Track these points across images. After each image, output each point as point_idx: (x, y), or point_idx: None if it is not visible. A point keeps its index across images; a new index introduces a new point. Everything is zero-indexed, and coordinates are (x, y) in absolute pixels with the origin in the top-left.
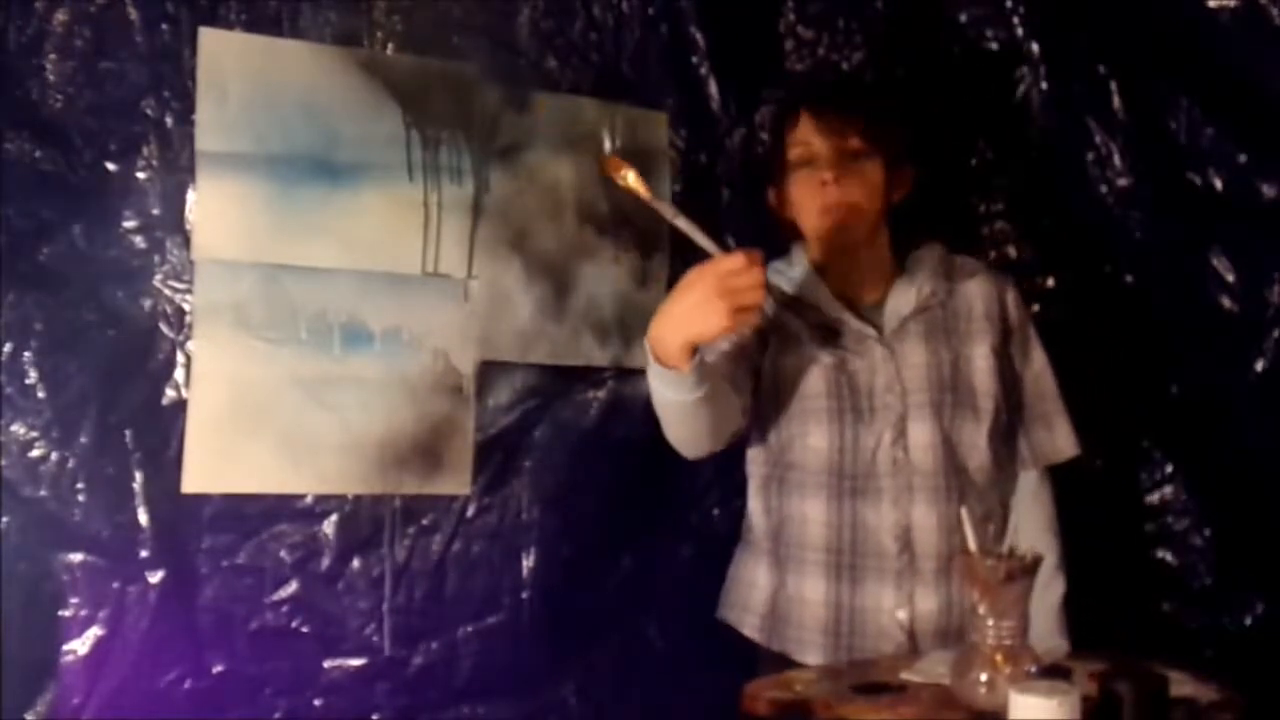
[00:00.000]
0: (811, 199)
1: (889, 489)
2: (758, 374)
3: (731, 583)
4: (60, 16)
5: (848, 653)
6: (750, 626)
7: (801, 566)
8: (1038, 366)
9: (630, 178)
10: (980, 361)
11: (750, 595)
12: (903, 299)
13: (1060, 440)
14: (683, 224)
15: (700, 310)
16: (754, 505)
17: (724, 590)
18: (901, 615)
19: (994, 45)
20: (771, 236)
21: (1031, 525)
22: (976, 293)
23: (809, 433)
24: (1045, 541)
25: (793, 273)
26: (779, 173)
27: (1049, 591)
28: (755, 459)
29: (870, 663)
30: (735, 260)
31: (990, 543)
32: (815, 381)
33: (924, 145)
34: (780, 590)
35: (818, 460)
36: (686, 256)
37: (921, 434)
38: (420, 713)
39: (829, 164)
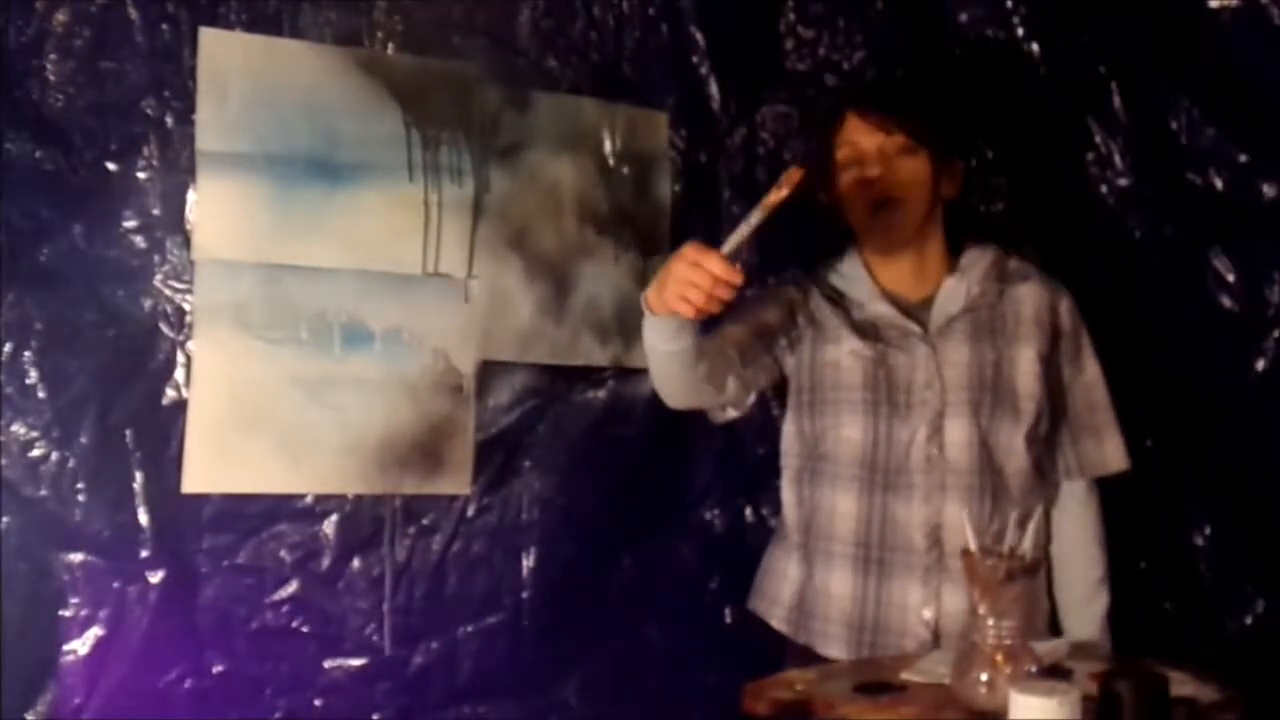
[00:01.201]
0: (858, 196)
1: (921, 485)
2: (775, 361)
3: (762, 574)
4: (60, 16)
5: (870, 648)
6: (778, 618)
7: (829, 559)
8: (1090, 376)
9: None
10: (1024, 365)
11: (780, 587)
12: (951, 298)
13: (1109, 454)
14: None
15: (664, 285)
16: (786, 497)
17: (755, 581)
18: (928, 613)
19: (994, 45)
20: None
21: (1076, 537)
22: (1027, 297)
23: (843, 424)
24: (1090, 554)
25: (844, 269)
26: (830, 174)
27: (1092, 605)
28: (789, 450)
29: (871, 662)
30: (687, 253)
31: (1023, 546)
32: (851, 374)
33: (973, 141)
34: (808, 583)
35: (850, 452)
36: None
37: (958, 432)
38: (420, 713)
39: (874, 161)
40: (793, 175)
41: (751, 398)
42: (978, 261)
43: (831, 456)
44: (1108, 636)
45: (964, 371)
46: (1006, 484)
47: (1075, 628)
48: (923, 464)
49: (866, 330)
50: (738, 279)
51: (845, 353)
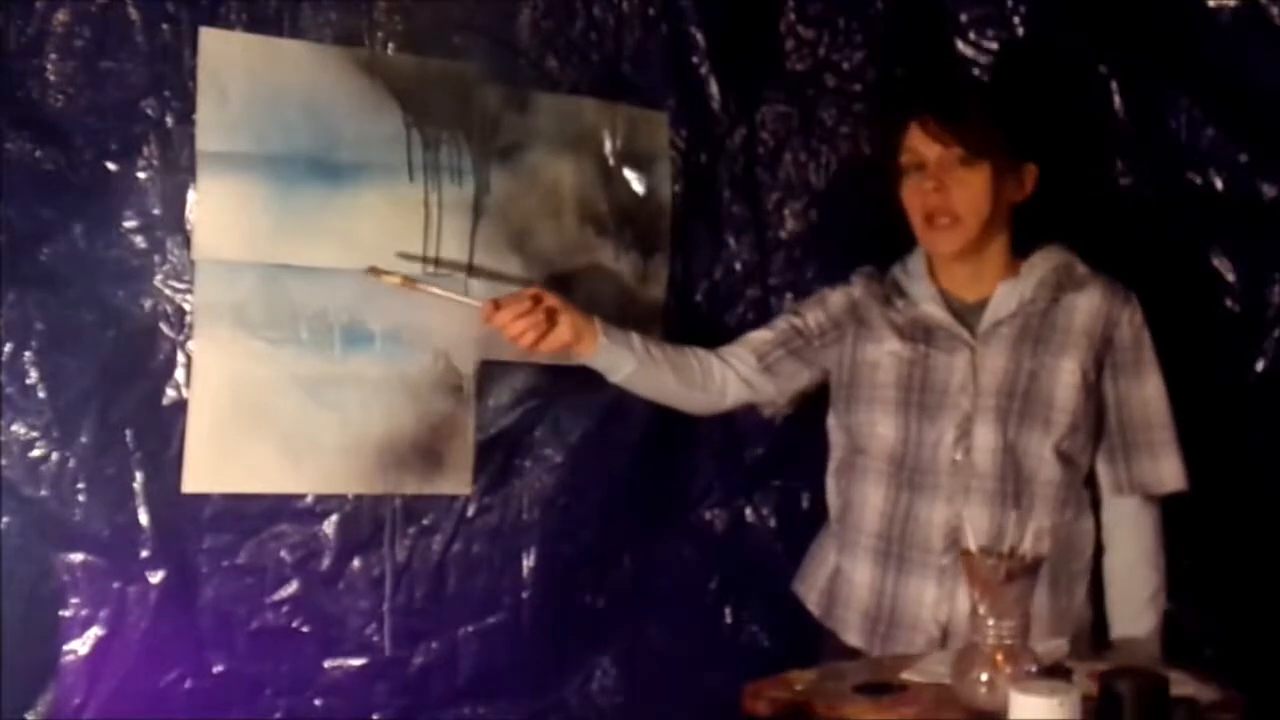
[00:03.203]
0: (916, 207)
1: (945, 487)
2: (807, 364)
3: (808, 558)
4: (60, 16)
5: (883, 641)
6: (812, 602)
7: (855, 549)
8: (1149, 391)
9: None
10: (1065, 376)
11: (817, 572)
12: (1003, 303)
13: (1165, 472)
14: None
15: None
16: (829, 486)
17: (801, 563)
18: (940, 613)
19: (994, 45)
20: (773, 234)
21: (1127, 554)
22: (1083, 306)
23: (876, 420)
24: (1139, 574)
25: (909, 264)
26: (892, 172)
27: (1139, 623)
28: (834, 442)
29: (871, 662)
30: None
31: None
32: (887, 373)
33: (1043, 141)
34: (838, 570)
35: (882, 448)
36: (688, 256)
37: (985, 437)
38: (420, 713)
39: (933, 172)
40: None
41: (784, 396)
42: (1040, 266)
43: (867, 450)
44: (1158, 650)
45: (998, 377)
46: (1034, 493)
47: (1125, 645)
48: (948, 466)
49: (911, 331)
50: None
51: (885, 352)
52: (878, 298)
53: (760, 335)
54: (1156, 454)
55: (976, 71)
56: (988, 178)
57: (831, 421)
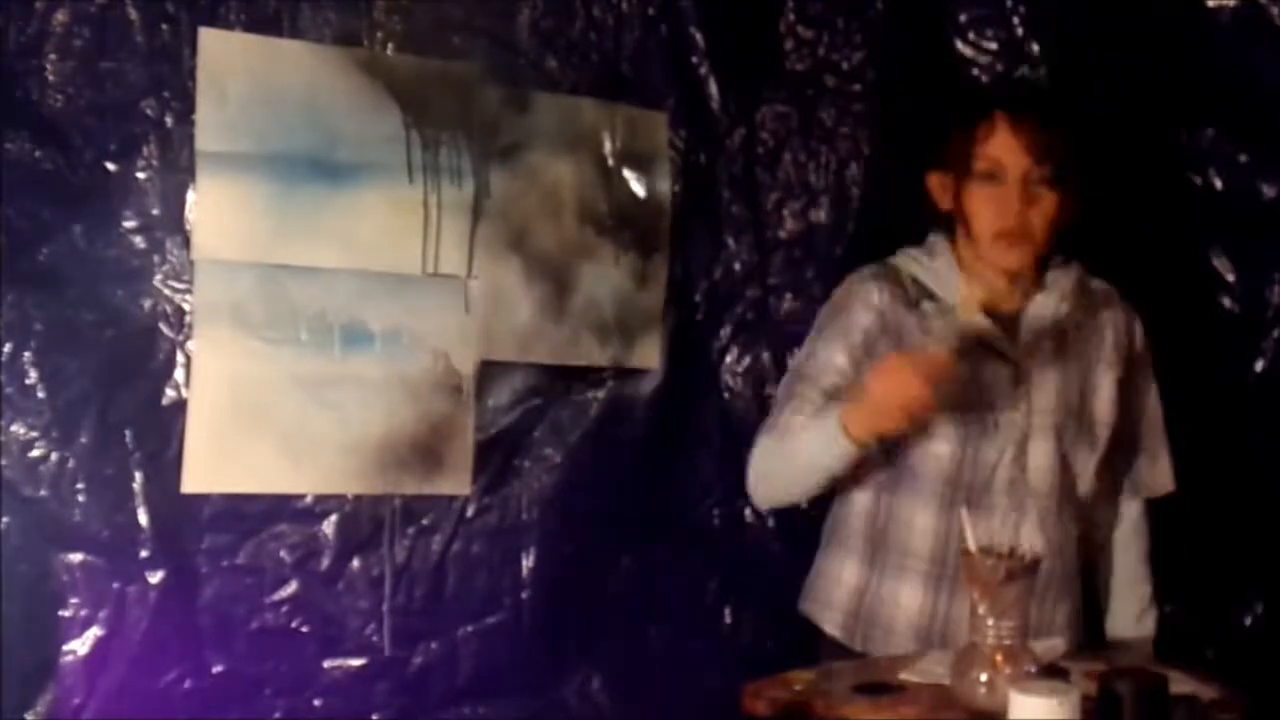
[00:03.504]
0: (991, 220)
1: (1001, 506)
2: None
3: (816, 577)
4: (60, 16)
5: None
6: (832, 623)
7: (901, 572)
8: (1153, 399)
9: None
10: (1104, 391)
11: (834, 592)
12: (1040, 315)
13: (1160, 475)
14: None
15: (875, 408)
16: (858, 501)
17: (807, 584)
18: None
19: (994, 45)
20: (772, 234)
21: (1131, 555)
22: (1110, 321)
23: (932, 440)
24: (1143, 573)
25: (934, 265)
26: (956, 168)
27: (1143, 623)
28: (869, 457)
29: (870, 662)
30: (891, 368)
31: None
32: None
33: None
34: (870, 590)
35: (937, 467)
36: (687, 256)
37: (1041, 455)
38: (420, 713)
39: (1016, 187)
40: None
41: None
42: (1062, 279)
43: (917, 470)
44: (1152, 654)
45: (1051, 394)
46: (1077, 506)
47: (1126, 646)
48: (1005, 485)
49: (953, 341)
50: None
51: None
52: (903, 302)
53: (813, 393)
54: (1155, 457)
55: (975, 71)
56: (1059, 198)
57: None
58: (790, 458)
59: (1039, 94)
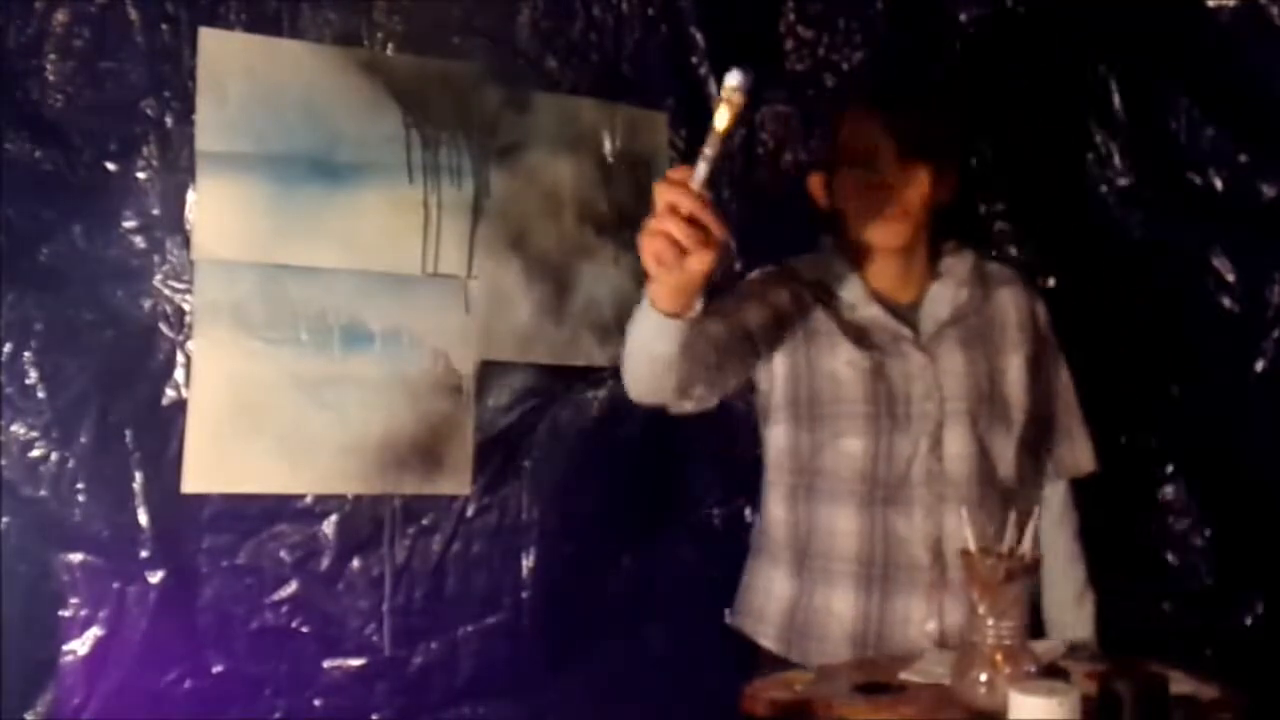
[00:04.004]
0: (865, 201)
1: (922, 499)
2: (747, 367)
3: (746, 591)
4: (60, 16)
5: None
6: (766, 637)
7: (830, 578)
8: (1064, 380)
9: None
10: (1013, 373)
11: (766, 605)
12: (939, 303)
13: (1081, 455)
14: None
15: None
16: (775, 513)
17: (737, 597)
18: (931, 627)
19: (994, 45)
20: (773, 235)
21: (1062, 538)
22: (1010, 302)
23: (843, 438)
24: (1075, 552)
25: (833, 266)
26: (830, 164)
27: (1084, 605)
28: (779, 464)
29: (870, 662)
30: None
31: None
32: (851, 386)
33: (975, 148)
34: (803, 601)
35: (851, 467)
36: None
37: (957, 443)
38: (420, 713)
39: (888, 167)
40: (731, 96)
41: (716, 400)
42: (958, 265)
43: (830, 472)
44: (1095, 636)
45: (961, 380)
46: (1000, 492)
47: (1067, 628)
48: (924, 477)
49: (860, 336)
50: (696, 206)
51: (842, 363)
52: (815, 299)
53: (714, 328)
54: (1074, 438)
55: (974, 75)
56: (932, 176)
57: (781, 441)
58: (632, 349)
59: (902, 85)
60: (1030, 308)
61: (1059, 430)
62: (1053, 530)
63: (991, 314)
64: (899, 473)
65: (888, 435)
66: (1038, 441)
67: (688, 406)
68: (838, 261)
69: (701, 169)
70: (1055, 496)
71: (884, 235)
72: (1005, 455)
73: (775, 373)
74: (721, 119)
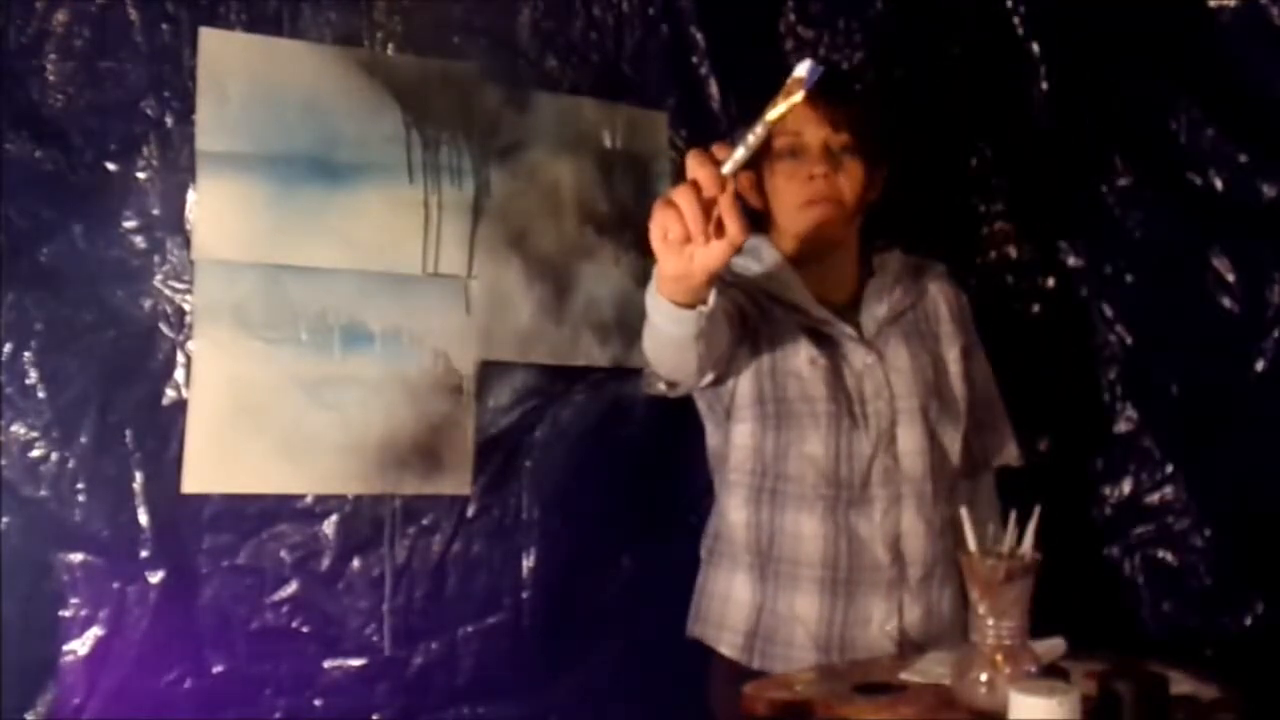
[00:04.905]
0: (796, 191)
1: (880, 498)
2: (732, 358)
3: (703, 598)
4: (60, 16)
5: None
6: (729, 645)
7: (795, 583)
8: (986, 369)
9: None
10: (953, 366)
11: (729, 612)
12: (877, 302)
13: (1005, 445)
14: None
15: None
16: (736, 517)
17: (693, 606)
18: (890, 627)
19: (994, 45)
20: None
21: (992, 527)
22: (941, 296)
23: (806, 440)
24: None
25: (764, 267)
26: (759, 159)
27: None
28: (740, 468)
29: (870, 663)
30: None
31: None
32: (814, 385)
33: (907, 145)
34: (767, 606)
35: (814, 470)
36: None
37: (910, 440)
38: (420, 713)
39: (818, 157)
40: (792, 87)
41: (703, 384)
42: (889, 262)
43: (794, 475)
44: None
45: (909, 377)
46: (948, 486)
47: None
48: (881, 476)
49: (814, 336)
50: (719, 193)
51: (805, 361)
52: (770, 298)
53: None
54: (998, 429)
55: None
56: (863, 168)
57: (745, 442)
58: (649, 336)
59: (834, 77)
60: (958, 300)
61: (985, 421)
62: (985, 518)
63: (926, 308)
64: (860, 472)
65: (848, 435)
66: (972, 432)
67: (660, 387)
68: (775, 261)
69: (740, 154)
70: (985, 487)
71: (811, 217)
72: (954, 447)
73: (740, 368)
74: (776, 110)
